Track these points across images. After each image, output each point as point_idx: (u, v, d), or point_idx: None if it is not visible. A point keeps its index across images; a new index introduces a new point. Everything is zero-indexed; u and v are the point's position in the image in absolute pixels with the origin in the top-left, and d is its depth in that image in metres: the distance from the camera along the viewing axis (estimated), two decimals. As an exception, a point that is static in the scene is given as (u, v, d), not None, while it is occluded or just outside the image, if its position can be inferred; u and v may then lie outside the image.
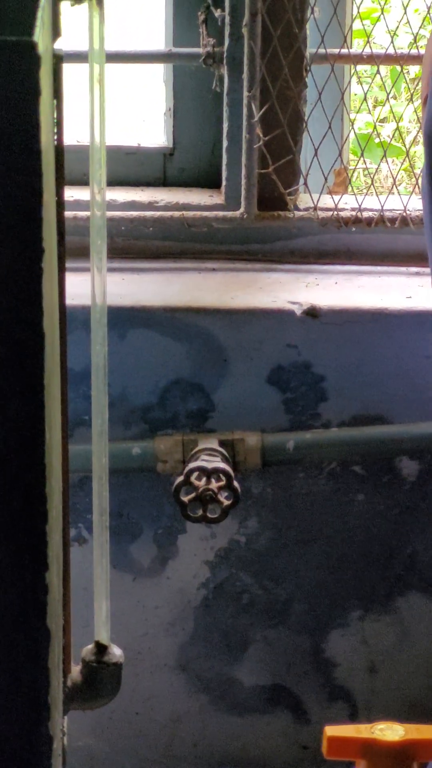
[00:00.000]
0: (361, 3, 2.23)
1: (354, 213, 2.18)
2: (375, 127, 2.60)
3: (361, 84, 2.52)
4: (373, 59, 2.23)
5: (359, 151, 2.34)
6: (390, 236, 2.15)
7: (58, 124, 1.50)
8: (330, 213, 2.18)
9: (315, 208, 2.17)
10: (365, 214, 2.18)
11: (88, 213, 1.63)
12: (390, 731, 1.47)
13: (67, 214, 1.56)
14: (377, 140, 2.60)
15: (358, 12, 2.25)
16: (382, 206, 2.17)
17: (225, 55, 2.15)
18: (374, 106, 2.69)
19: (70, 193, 1.59)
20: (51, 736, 1.32)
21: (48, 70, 1.31)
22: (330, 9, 2.16)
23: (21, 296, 1.20)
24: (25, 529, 1.25)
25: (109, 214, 1.82)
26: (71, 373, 1.62)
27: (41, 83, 1.20)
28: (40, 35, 1.25)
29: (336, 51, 2.17)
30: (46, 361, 1.25)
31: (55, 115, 1.48)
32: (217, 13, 2.14)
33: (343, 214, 2.18)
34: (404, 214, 2.15)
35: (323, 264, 2.17)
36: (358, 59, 2.23)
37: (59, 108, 1.51)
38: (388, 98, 2.41)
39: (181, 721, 2.14)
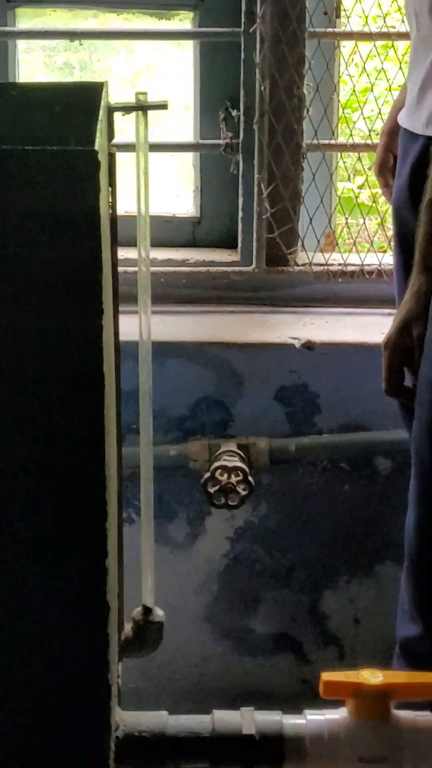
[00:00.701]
0: (352, 91, 2.24)
1: (340, 267, 2.18)
2: (357, 195, 2.61)
3: (344, 160, 2.51)
4: (355, 147, 2.24)
5: (345, 212, 2.35)
6: (369, 285, 2.15)
7: (113, 206, 1.51)
8: (322, 267, 2.18)
9: (310, 264, 2.18)
10: (349, 268, 2.18)
11: (135, 268, 1.63)
12: (372, 676, 1.47)
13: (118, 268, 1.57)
14: (356, 201, 2.61)
15: (340, 104, 2.26)
16: (362, 262, 2.17)
17: (240, 146, 2.15)
18: (354, 176, 2.68)
19: (120, 253, 1.59)
20: (110, 684, 1.33)
21: (105, 167, 1.32)
22: (321, 108, 2.16)
23: (87, 348, 1.21)
24: (90, 526, 1.25)
25: (151, 269, 1.83)
26: (122, 391, 1.63)
27: (100, 180, 1.20)
28: (99, 143, 1.25)
29: (326, 141, 2.18)
30: (106, 395, 1.25)
31: (110, 200, 1.48)
32: (234, 113, 2.15)
33: (331, 268, 2.18)
34: (380, 267, 2.15)
35: (317, 307, 2.17)
36: (343, 147, 2.25)
37: (113, 193, 1.52)
38: (364, 170, 2.42)
39: (207, 663, 2.15)
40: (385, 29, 2.21)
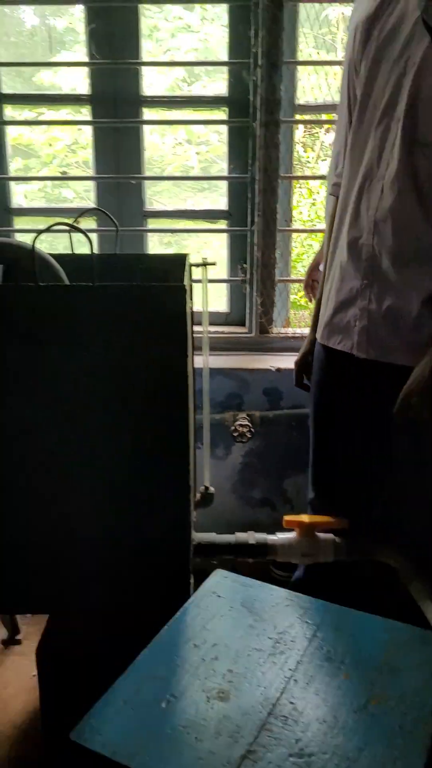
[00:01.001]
0: (297, 254, 2.24)
1: (292, 335, 2.15)
2: (299, 300, 2.60)
3: (294, 286, 2.51)
4: (300, 280, 2.20)
5: (294, 309, 2.35)
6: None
7: (191, 308, 1.52)
8: (284, 335, 2.16)
9: (278, 333, 2.16)
10: (296, 335, 2.15)
11: (201, 335, 1.63)
12: (307, 518, 1.48)
13: (194, 335, 1.57)
14: (299, 303, 2.61)
15: (293, 260, 2.25)
16: (302, 333, 2.15)
17: (248, 281, 2.14)
18: (299, 291, 2.67)
19: (195, 328, 1.60)
20: (191, 521, 1.33)
21: (189, 292, 1.33)
22: (284, 264, 2.16)
23: (179, 368, 1.22)
24: (181, 450, 1.26)
25: (208, 336, 1.83)
26: (195, 389, 1.64)
27: (186, 300, 1.21)
28: (186, 281, 1.27)
29: (286, 278, 2.16)
30: (189, 390, 1.26)
31: (191, 305, 1.50)
32: (245, 265, 2.15)
33: (288, 334, 2.15)
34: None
35: (282, 353, 2.14)
36: (294, 281, 2.22)
37: (191, 301, 1.53)
38: (302, 290, 2.42)
39: (233, 511, 2.12)
40: (312, 227, 2.21)
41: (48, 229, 1.18)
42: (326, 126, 2.84)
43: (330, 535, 1.47)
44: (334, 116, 2.05)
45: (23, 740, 1.56)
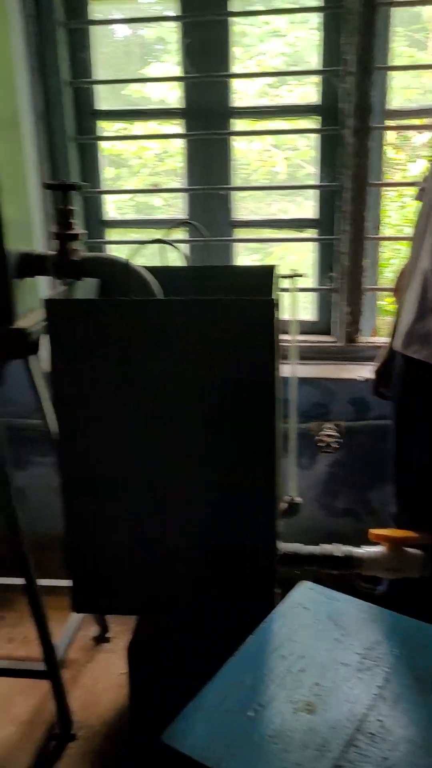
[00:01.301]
0: (386, 259, 2.20)
1: (381, 344, 2.09)
2: (387, 305, 2.56)
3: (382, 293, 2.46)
4: (384, 289, 2.17)
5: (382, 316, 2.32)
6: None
7: (278, 317, 1.53)
8: (371, 344, 2.13)
9: (366, 342, 2.13)
10: (384, 344, 2.08)
11: (288, 344, 1.63)
12: (392, 532, 1.46)
13: (281, 344, 1.57)
14: (387, 309, 2.56)
15: (380, 264, 2.22)
16: None
17: (336, 290, 2.12)
18: (386, 298, 2.62)
19: (282, 337, 1.60)
20: (278, 531, 1.35)
21: (276, 306, 1.34)
22: (372, 270, 2.13)
23: (267, 379, 1.24)
24: (268, 458, 1.27)
25: (296, 344, 1.83)
26: (282, 399, 1.64)
27: (275, 311, 1.23)
28: (274, 293, 1.29)
29: (373, 286, 2.13)
30: (276, 400, 1.27)
31: (277, 315, 1.51)
32: (332, 274, 2.12)
33: (376, 344, 2.12)
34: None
35: (370, 362, 2.07)
36: (380, 289, 2.17)
37: (279, 313, 1.54)
38: (390, 296, 2.38)
39: (315, 519, 2.11)
40: (401, 233, 2.17)
41: (144, 242, 1.23)
42: (418, 127, 2.78)
43: (418, 551, 1.45)
44: (426, 121, 2.01)
45: (112, 735, 1.63)
